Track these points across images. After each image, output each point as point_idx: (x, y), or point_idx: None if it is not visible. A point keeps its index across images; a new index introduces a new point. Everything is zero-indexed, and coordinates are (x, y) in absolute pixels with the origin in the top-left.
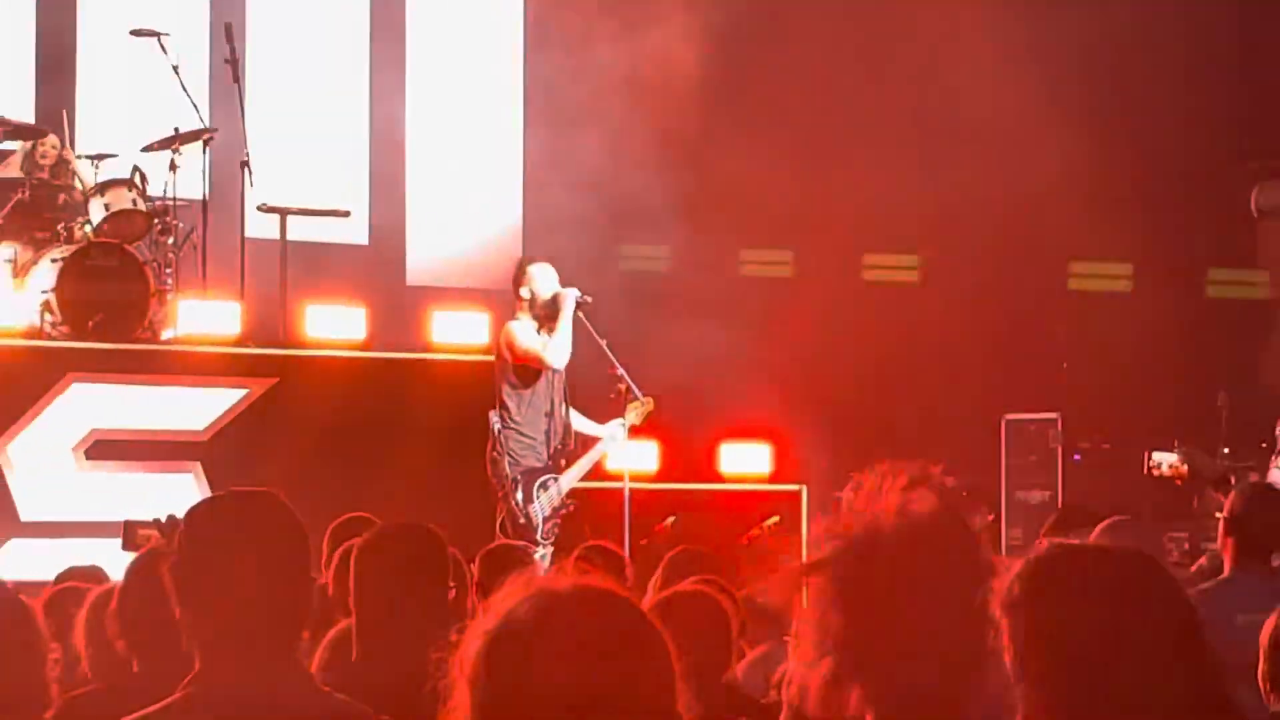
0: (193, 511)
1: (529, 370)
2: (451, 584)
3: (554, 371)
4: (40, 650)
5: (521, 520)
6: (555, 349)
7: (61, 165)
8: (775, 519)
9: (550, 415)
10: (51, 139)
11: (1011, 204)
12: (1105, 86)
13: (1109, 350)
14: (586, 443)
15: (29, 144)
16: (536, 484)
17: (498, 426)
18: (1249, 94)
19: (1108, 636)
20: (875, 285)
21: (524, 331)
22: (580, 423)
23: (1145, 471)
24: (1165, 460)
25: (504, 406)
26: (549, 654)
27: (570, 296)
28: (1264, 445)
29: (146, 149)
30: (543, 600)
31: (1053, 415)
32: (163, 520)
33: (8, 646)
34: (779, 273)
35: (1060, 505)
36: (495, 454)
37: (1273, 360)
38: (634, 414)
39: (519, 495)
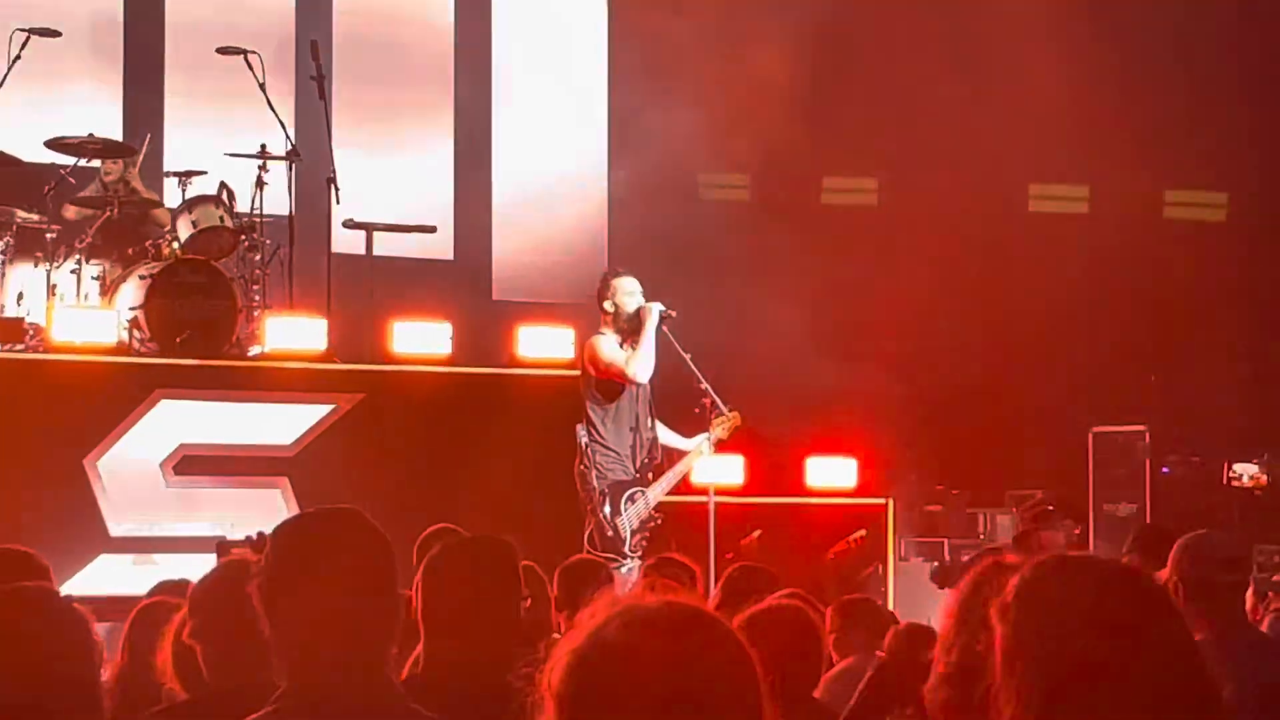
0: (279, 530)
1: (613, 385)
2: (527, 594)
3: (638, 386)
4: (93, 659)
5: (609, 533)
6: (638, 363)
7: (140, 184)
8: (862, 532)
9: (636, 429)
10: (110, 165)
11: (1101, 220)
12: None
13: (1196, 362)
14: (673, 457)
15: (119, 163)
16: (624, 496)
17: (584, 440)
18: None
19: (1086, 646)
20: (962, 298)
21: (608, 346)
22: (667, 436)
23: (1225, 482)
24: (1246, 472)
25: (590, 421)
26: (637, 673)
27: (654, 311)
28: None
29: (231, 155)
30: (631, 619)
31: (1141, 428)
32: (254, 537)
33: (59, 655)
34: (862, 288)
35: (1146, 520)
36: (583, 468)
37: None
38: (720, 429)
39: (606, 508)
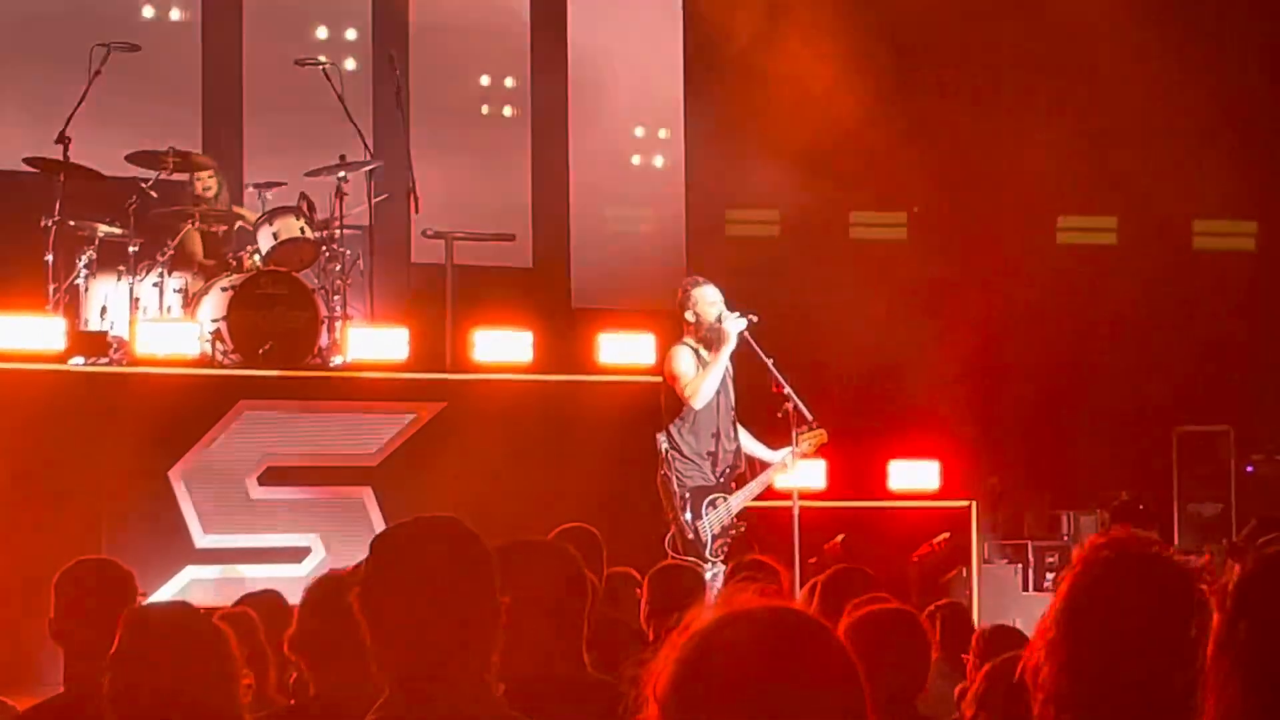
0: (378, 538)
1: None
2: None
3: (718, 392)
4: (234, 675)
5: (690, 536)
6: (699, 387)
7: (220, 197)
8: (946, 535)
9: (717, 436)
10: (201, 174)
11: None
12: None
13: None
14: (756, 466)
15: (216, 177)
16: (705, 502)
17: (665, 448)
18: None
19: None
20: (1040, 301)
21: (681, 360)
22: (751, 446)
23: None
24: None
25: (670, 429)
26: (742, 677)
27: (734, 332)
28: None
29: (313, 174)
30: (736, 623)
31: (1224, 427)
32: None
33: (204, 672)
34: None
35: (1231, 519)
36: (664, 473)
37: None
38: (807, 444)
39: (688, 513)
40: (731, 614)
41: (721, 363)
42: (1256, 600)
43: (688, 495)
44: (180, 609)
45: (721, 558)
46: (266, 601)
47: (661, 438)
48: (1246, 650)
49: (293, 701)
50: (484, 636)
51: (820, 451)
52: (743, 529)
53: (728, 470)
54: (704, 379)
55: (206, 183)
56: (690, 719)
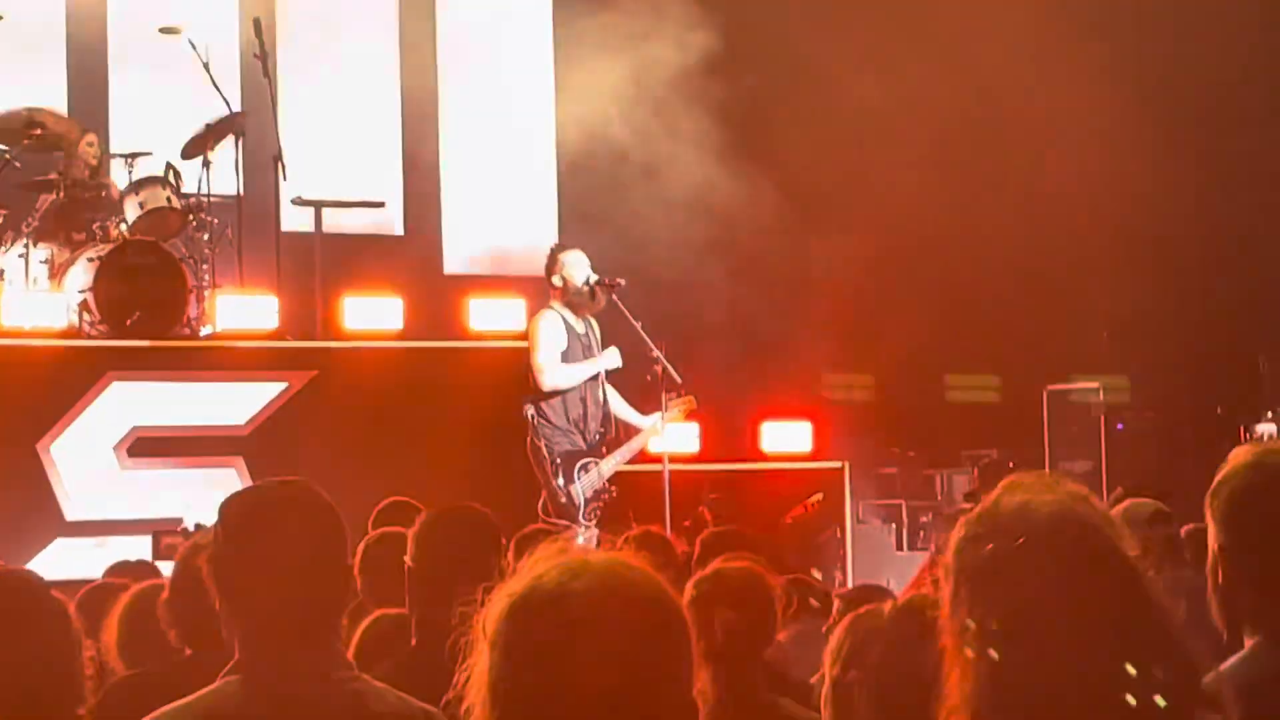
0: (227, 502)
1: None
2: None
3: (585, 357)
4: (74, 646)
5: (563, 499)
6: (556, 377)
7: (103, 165)
8: (819, 495)
9: (584, 401)
10: (91, 138)
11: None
12: None
13: (1147, 318)
14: (629, 430)
15: (70, 144)
16: (578, 466)
17: (532, 414)
18: None
19: None
20: (911, 260)
21: (544, 330)
22: (623, 410)
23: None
24: (1266, 431)
25: (537, 396)
26: (568, 620)
27: (613, 360)
28: None
29: (185, 155)
30: (570, 569)
31: (1094, 384)
32: (191, 530)
33: (42, 643)
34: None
35: (1103, 477)
36: (533, 440)
37: None
38: (675, 411)
39: (560, 477)
40: (568, 560)
41: (586, 371)
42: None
43: (559, 460)
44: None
45: (594, 521)
46: (139, 571)
47: (529, 404)
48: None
49: (155, 668)
50: (332, 600)
51: (692, 415)
52: (614, 493)
53: (600, 434)
54: (564, 373)
55: (96, 150)
56: (514, 658)
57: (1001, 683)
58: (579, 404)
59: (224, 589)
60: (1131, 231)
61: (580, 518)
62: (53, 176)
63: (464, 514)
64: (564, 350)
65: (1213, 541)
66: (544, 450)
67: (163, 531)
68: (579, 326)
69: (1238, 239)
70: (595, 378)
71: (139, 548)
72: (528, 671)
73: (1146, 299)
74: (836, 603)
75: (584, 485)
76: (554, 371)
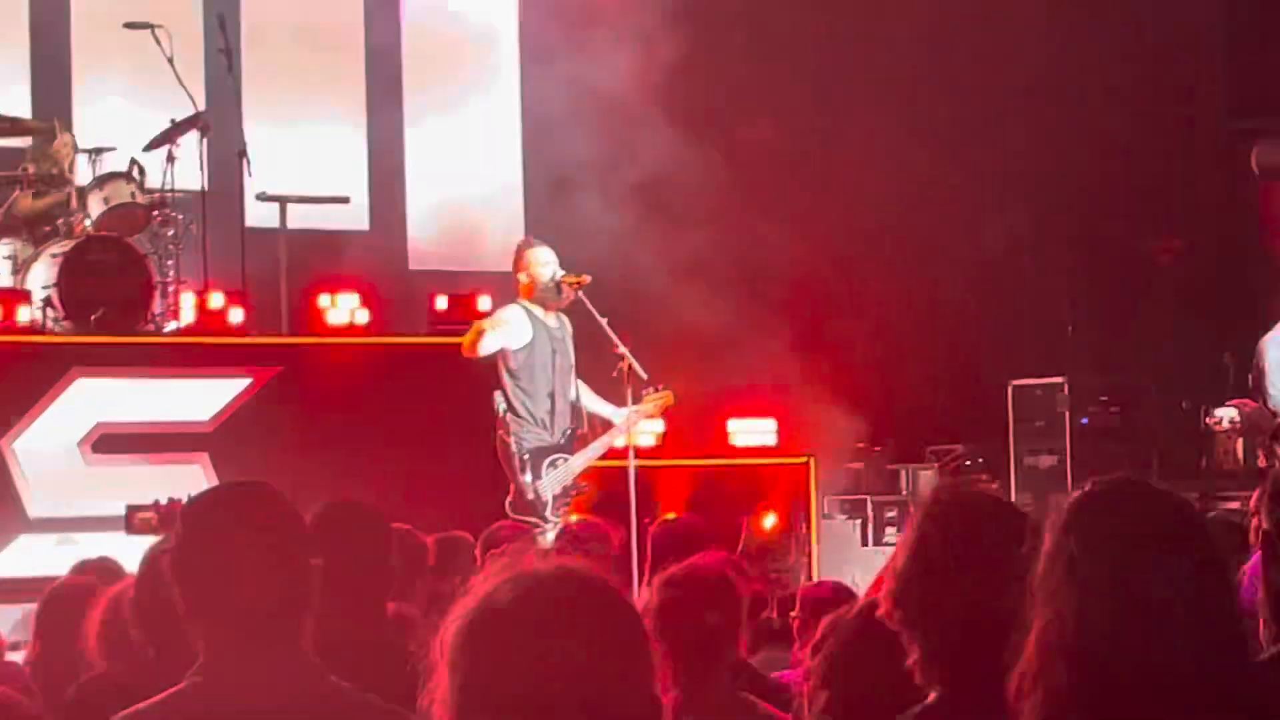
0: (188, 504)
1: (520, 353)
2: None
3: (554, 352)
4: None
5: (530, 496)
6: (482, 346)
7: (72, 163)
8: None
9: (554, 396)
10: (67, 137)
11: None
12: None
13: (1112, 313)
14: (600, 426)
15: (40, 140)
16: (546, 462)
17: (501, 408)
18: (1235, 51)
19: None
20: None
21: (502, 315)
22: (595, 405)
23: (1203, 426)
24: (1226, 415)
25: (505, 389)
26: (524, 636)
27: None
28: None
29: (148, 148)
30: (520, 582)
31: (1059, 379)
32: (162, 502)
33: None
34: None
35: (1067, 472)
36: (502, 435)
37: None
38: (651, 405)
39: (527, 474)
40: (513, 574)
41: (597, 451)
42: (1086, 519)
43: (526, 456)
44: None
45: (561, 518)
46: (102, 569)
47: (498, 397)
48: (1076, 561)
49: (126, 669)
50: (294, 600)
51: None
52: (585, 488)
53: (570, 429)
54: (485, 347)
55: (70, 149)
56: (475, 679)
57: None
58: (547, 399)
59: (186, 591)
60: (1093, 225)
61: (547, 514)
62: (17, 173)
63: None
64: (529, 342)
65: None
66: (511, 446)
67: (135, 507)
68: (550, 320)
69: (1203, 235)
70: (566, 371)
71: (103, 545)
72: (490, 689)
73: (1115, 293)
74: (797, 605)
75: (551, 481)
76: (484, 344)
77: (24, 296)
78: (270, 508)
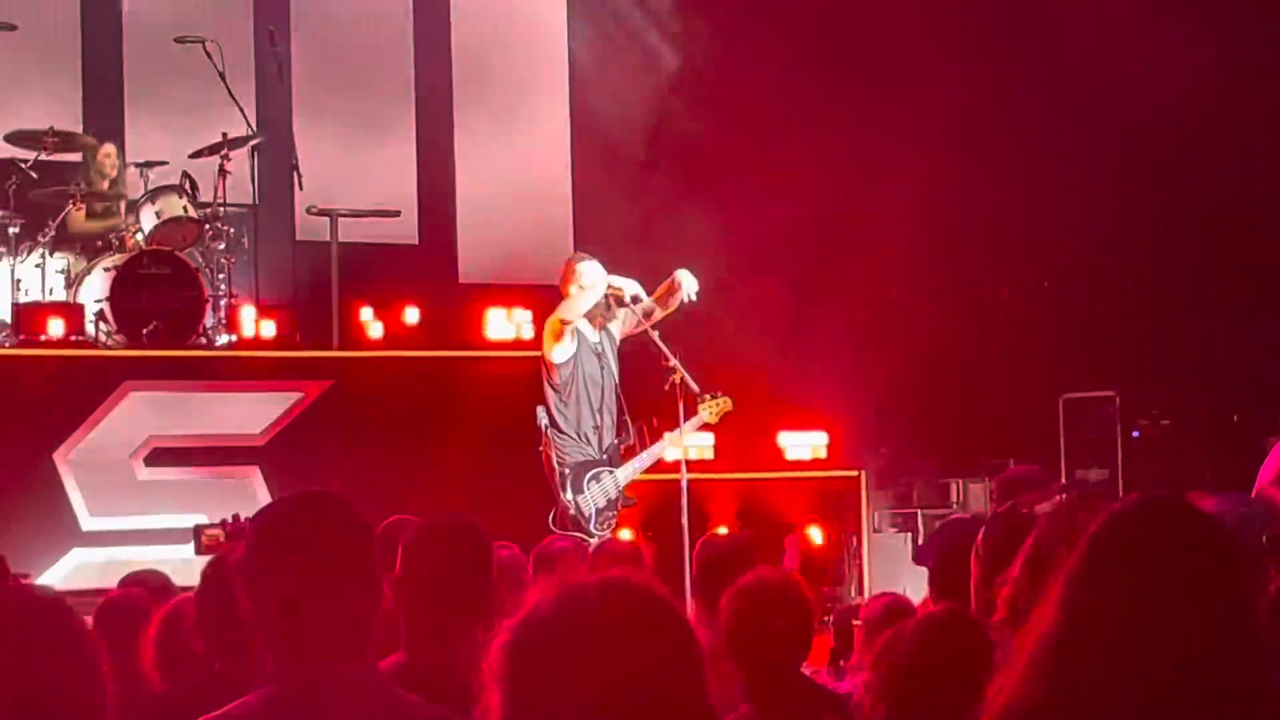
0: (259, 514)
1: (565, 367)
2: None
3: (601, 368)
4: (91, 659)
5: (572, 512)
6: (557, 351)
7: (121, 176)
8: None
9: (598, 411)
10: (109, 148)
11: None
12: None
13: (1163, 327)
14: (647, 438)
15: (87, 155)
16: (588, 476)
17: (544, 423)
18: None
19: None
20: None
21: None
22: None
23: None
24: None
25: (548, 403)
26: (571, 649)
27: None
28: None
29: (195, 155)
30: (566, 596)
31: (1110, 393)
32: (229, 520)
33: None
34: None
35: (1119, 485)
36: (544, 450)
37: None
38: (709, 412)
39: (568, 489)
40: (563, 587)
41: (635, 469)
42: (1103, 536)
43: (568, 471)
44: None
45: (607, 531)
46: (152, 581)
47: (541, 412)
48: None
49: (188, 683)
50: (364, 611)
51: (706, 425)
52: (634, 502)
53: (615, 442)
54: (563, 347)
55: (114, 160)
56: (527, 695)
57: None
58: (591, 414)
59: (256, 601)
60: (1151, 240)
61: (591, 528)
62: (70, 187)
63: (454, 528)
64: (572, 356)
65: None
66: (554, 460)
67: (203, 526)
68: (592, 335)
69: (1259, 246)
70: (610, 385)
71: (154, 556)
72: (540, 705)
73: (1167, 306)
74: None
75: (594, 495)
76: (556, 350)
77: (77, 310)
78: (340, 517)
